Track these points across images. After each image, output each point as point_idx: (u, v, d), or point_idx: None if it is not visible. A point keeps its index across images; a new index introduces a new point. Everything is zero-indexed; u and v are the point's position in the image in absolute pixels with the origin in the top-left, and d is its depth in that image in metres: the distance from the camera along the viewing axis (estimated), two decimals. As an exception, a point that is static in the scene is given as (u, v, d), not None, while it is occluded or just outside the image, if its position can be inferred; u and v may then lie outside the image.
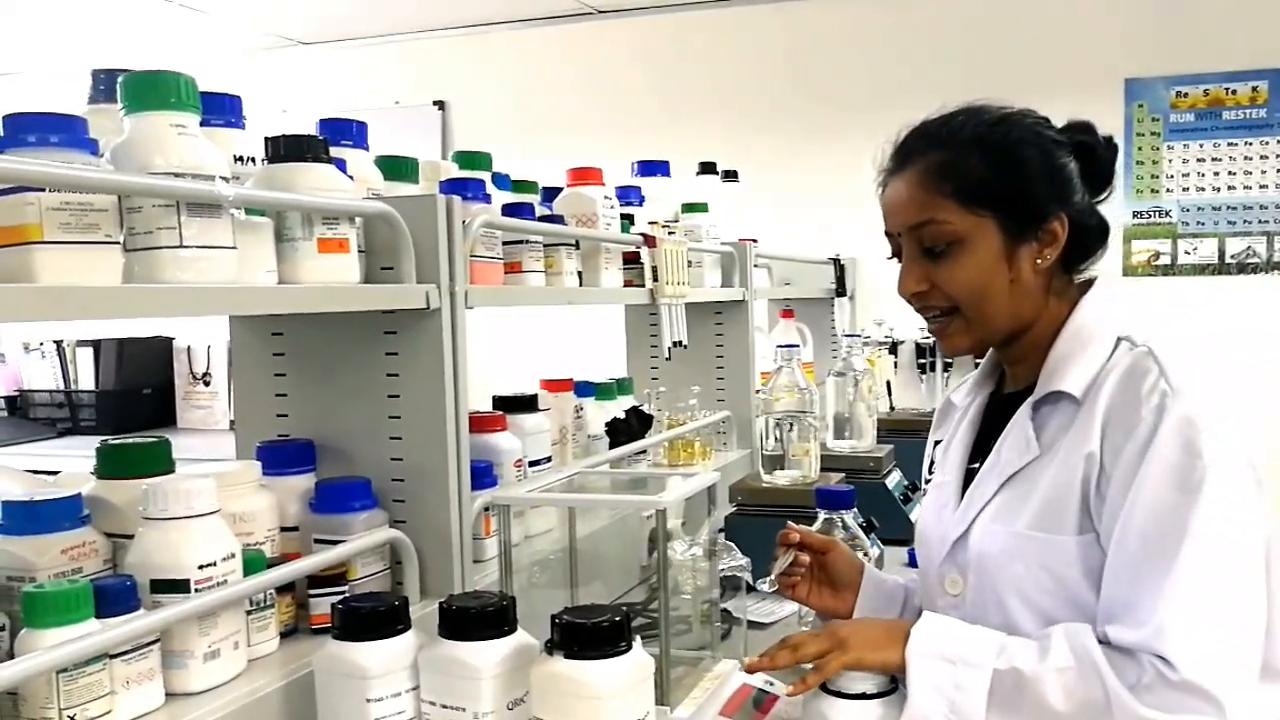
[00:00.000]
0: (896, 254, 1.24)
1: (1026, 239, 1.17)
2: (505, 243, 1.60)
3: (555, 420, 1.92)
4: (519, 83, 4.34)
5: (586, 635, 0.98)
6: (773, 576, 1.32)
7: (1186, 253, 3.54)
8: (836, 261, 3.43)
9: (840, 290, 3.44)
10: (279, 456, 1.33)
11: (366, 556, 1.29)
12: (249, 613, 1.12)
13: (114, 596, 0.96)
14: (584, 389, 2.10)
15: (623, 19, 4.22)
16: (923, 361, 3.65)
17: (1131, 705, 1.00)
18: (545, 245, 1.69)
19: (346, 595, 1.18)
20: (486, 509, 1.49)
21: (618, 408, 2.10)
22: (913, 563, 2.09)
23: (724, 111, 4.04)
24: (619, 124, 4.06)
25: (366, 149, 1.44)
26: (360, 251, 1.30)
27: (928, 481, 1.39)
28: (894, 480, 2.24)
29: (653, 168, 2.41)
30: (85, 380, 4.19)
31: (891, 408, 3.19)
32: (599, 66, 4.24)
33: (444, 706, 1.02)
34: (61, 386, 4.24)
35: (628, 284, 1.96)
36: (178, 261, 0.99)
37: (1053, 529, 1.11)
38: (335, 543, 1.23)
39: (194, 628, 1.03)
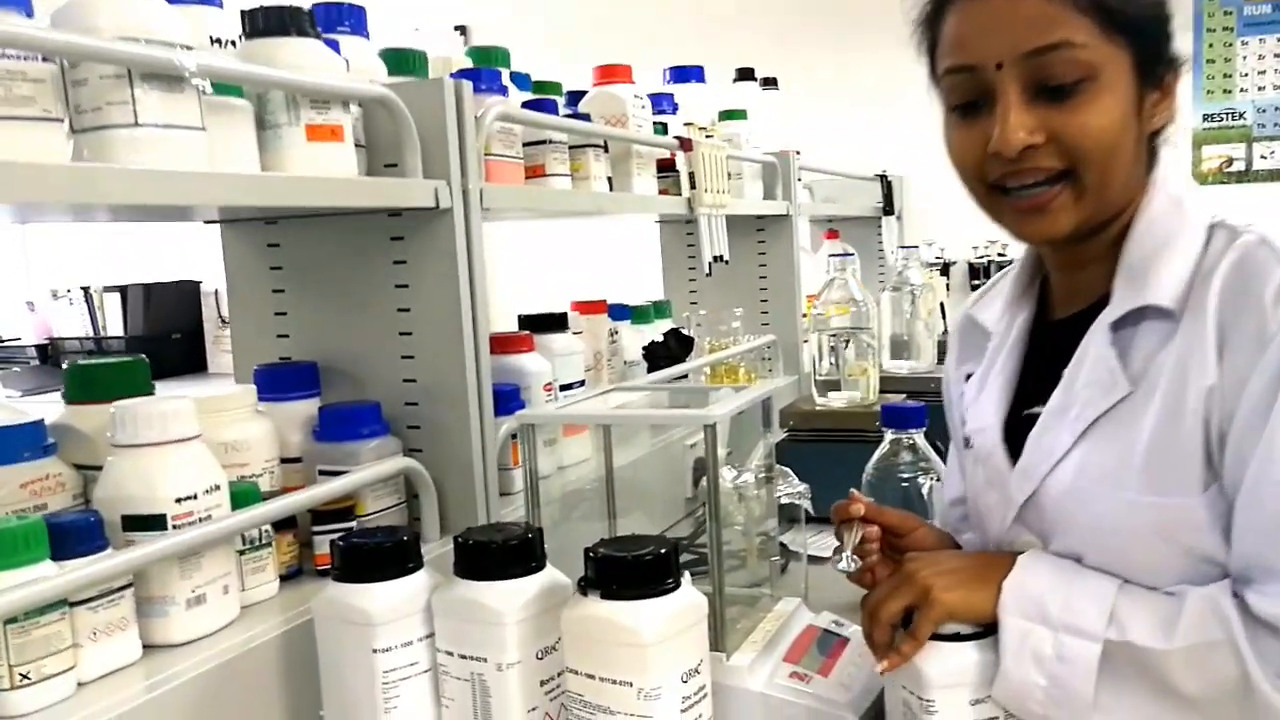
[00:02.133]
0: (971, 103, 0.91)
1: (1150, 86, 0.91)
2: (526, 144, 1.43)
3: (588, 345, 1.77)
4: (546, 5, 4.13)
5: (627, 571, 0.83)
6: (848, 553, 1.03)
7: (1263, 157, 3.29)
8: (883, 178, 3.23)
9: (888, 209, 3.24)
10: (278, 380, 1.19)
11: (377, 489, 1.15)
12: (241, 553, 0.99)
13: (75, 535, 0.82)
14: (619, 312, 1.94)
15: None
16: (976, 283, 3.45)
17: (1273, 699, 0.79)
18: (571, 148, 1.52)
19: (351, 530, 1.04)
20: (513, 435, 1.34)
21: (655, 332, 1.94)
22: None
23: (762, 16, 3.81)
24: (651, 39, 3.84)
25: (367, 37, 1.28)
26: (359, 147, 1.15)
27: (963, 424, 1.07)
28: (956, 403, 2.07)
29: (686, 73, 2.22)
30: (114, 327, 4.10)
31: (945, 331, 3.00)
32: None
33: (462, 657, 0.88)
34: (91, 334, 4.16)
35: (662, 194, 1.79)
36: (133, 142, 0.83)
37: (1172, 490, 0.85)
38: (342, 474, 1.09)
39: (174, 570, 0.90)
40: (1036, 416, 0.95)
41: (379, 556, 0.89)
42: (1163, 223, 0.91)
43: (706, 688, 0.86)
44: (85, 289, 4.36)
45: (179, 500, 0.90)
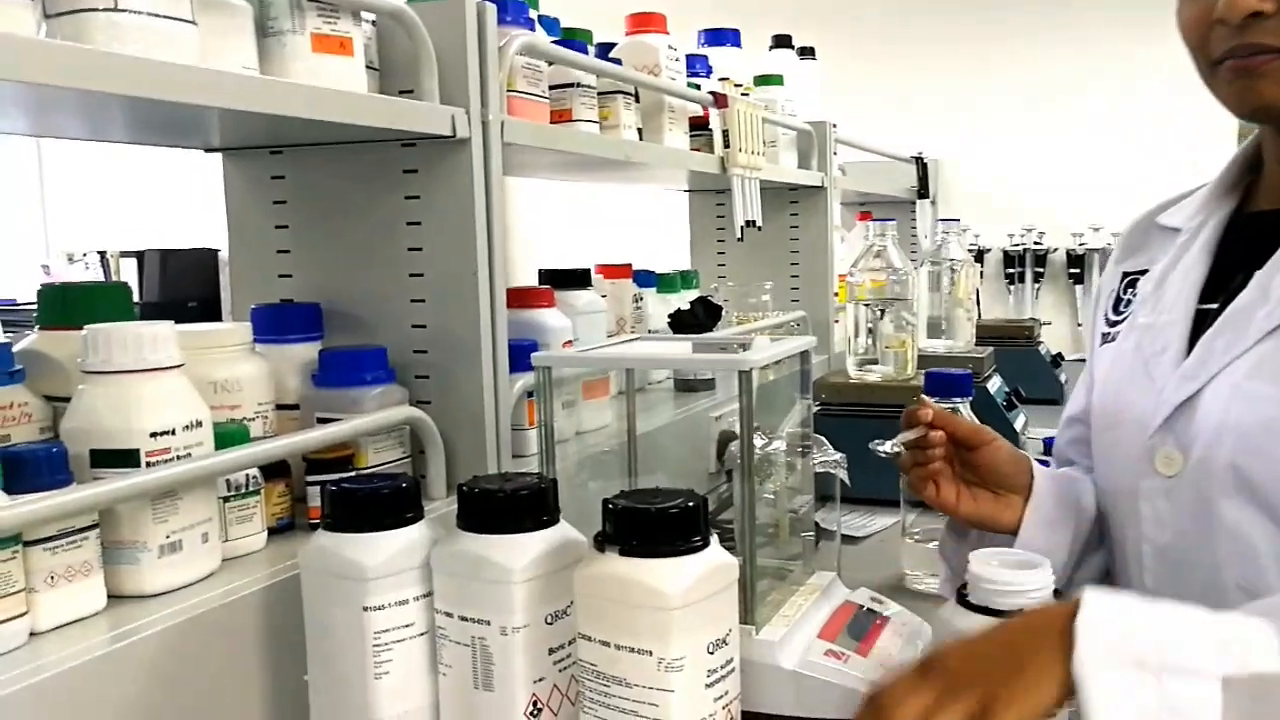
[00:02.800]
0: None
1: None
2: (553, 87, 1.34)
3: (612, 309, 1.68)
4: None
5: (651, 525, 0.73)
6: (894, 442, 0.98)
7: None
8: (919, 160, 3.12)
9: (923, 192, 3.14)
10: (276, 320, 1.10)
11: (380, 441, 1.06)
12: (226, 500, 0.90)
13: (33, 466, 0.73)
14: (644, 279, 1.86)
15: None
16: (1011, 271, 3.35)
17: None
18: (600, 94, 1.43)
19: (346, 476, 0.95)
20: (529, 394, 1.25)
21: (681, 301, 1.84)
22: (1049, 451, 1.82)
23: None
24: (682, 8, 3.75)
25: (384, -44, 1.19)
26: (371, 69, 1.06)
27: (1113, 325, 1.03)
28: (995, 385, 1.96)
29: (722, 36, 2.12)
30: (129, 293, 4.03)
31: (979, 316, 2.90)
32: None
33: (463, 619, 0.78)
34: (104, 299, 4.10)
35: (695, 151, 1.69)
36: (113, 28, 0.74)
37: None
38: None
39: (146, 512, 0.81)
40: (1210, 312, 0.89)
41: (375, 503, 0.80)
42: None
43: (735, 662, 0.76)
44: (102, 253, 4.30)
45: (154, 435, 0.81)
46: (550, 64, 1.30)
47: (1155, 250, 1.03)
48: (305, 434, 0.94)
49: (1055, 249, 3.33)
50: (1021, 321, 2.69)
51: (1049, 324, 2.94)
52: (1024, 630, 0.69)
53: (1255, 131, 0.97)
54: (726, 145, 1.69)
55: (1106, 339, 1.03)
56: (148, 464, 0.80)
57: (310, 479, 0.99)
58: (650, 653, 0.71)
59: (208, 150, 1.16)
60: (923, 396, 1.00)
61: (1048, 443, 1.96)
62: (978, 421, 1.27)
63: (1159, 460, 0.90)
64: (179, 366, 0.84)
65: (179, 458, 0.82)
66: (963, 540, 1.05)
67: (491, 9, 1.10)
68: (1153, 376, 0.92)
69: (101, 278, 4.23)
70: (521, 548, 0.77)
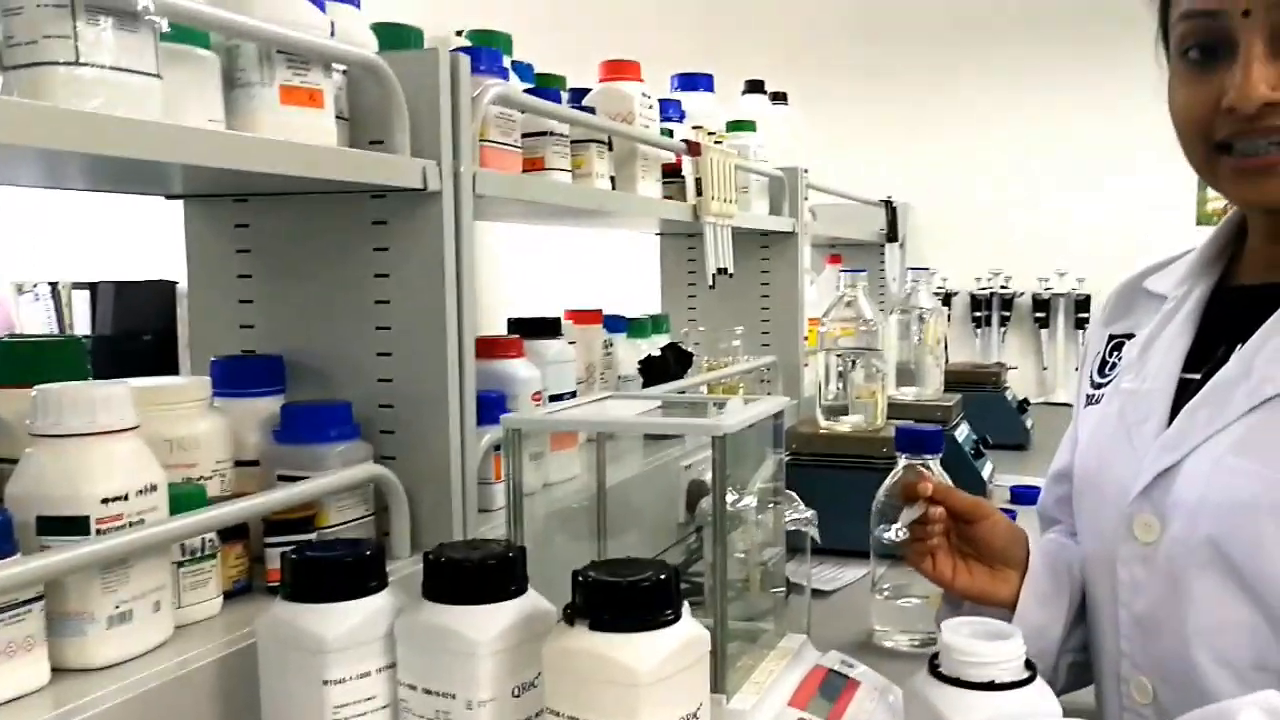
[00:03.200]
0: (1208, 49, 0.84)
1: None
2: (525, 135, 1.33)
3: (581, 356, 1.66)
4: (551, 15, 4.04)
5: (621, 599, 0.71)
6: (900, 526, 0.98)
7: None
8: (889, 204, 3.14)
9: (892, 235, 3.15)
10: (237, 373, 1.07)
11: (343, 499, 1.03)
12: (180, 565, 0.87)
13: (-22, 535, 0.70)
14: (614, 324, 1.84)
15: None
16: (978, 315, 3.37)
17: None
18: (573, 142, 1.42)
19: (307, 543, 0.92)
20: (496, 448, 1.23)
21: (652, 347, 1.83)
22: (1017, 500, 1.83)
23: (771, 39, 3.73)
24: (658, 51, 3.76)
25: (358, 5, 1.17)
26: (341, 119, 1.04)
27: (1097, 387, 1.02)
28: (963, 433, 1.96)
29: (694, 81, 2.12)
30: (81, 325, 3.96)
31: (946, 361, 2.91)
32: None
33: (427, 692, 0.76)
34: (56, 331, 4.02)
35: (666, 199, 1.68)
36: (73, 83, 0.72)
37: None
38: (303, 480, 0.98)
39: (95, 582, 0.78)
40: (1193, 382, 0.89)
41: (336, 572, 0.78)
42: None
43: (707, 737, 0.74)
44: (53, 284, 4.22)
45: (106, 501, 0.78)
46: (523, 112, 1.29)
47: (1141, 315, 1.02)
48: (266, 496, 0.91)
49: (1021, 293, 3.35)
50: (988, 367, 2.70)
51: (1015, 368, 2.95)
52: None
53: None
54: (699, 193, 1.69)
55: (1091, 400, 1.02)
56: (98, 531, 0.77)
57: (269, 540, 0.96)
58: (620, 731, 0.69)
59: (169, 197, 1.14)
60: (922, 470, 1.00)
61: (1015, 491, 1.97)
62: (947, 477, 1.27)
63: (1137, 527, 0.90)
64: (134, 429, 0.81)
65: (131, 524, 0.79)
66: (957, 612, 1.03)
67: (465, 60, 1.09)
68: (1134, 444, 0.92)
69: (52, 309, 4.15)
70: (489, 619, 0.75)
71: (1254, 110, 0.81)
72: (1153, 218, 3.21)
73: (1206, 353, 0.91)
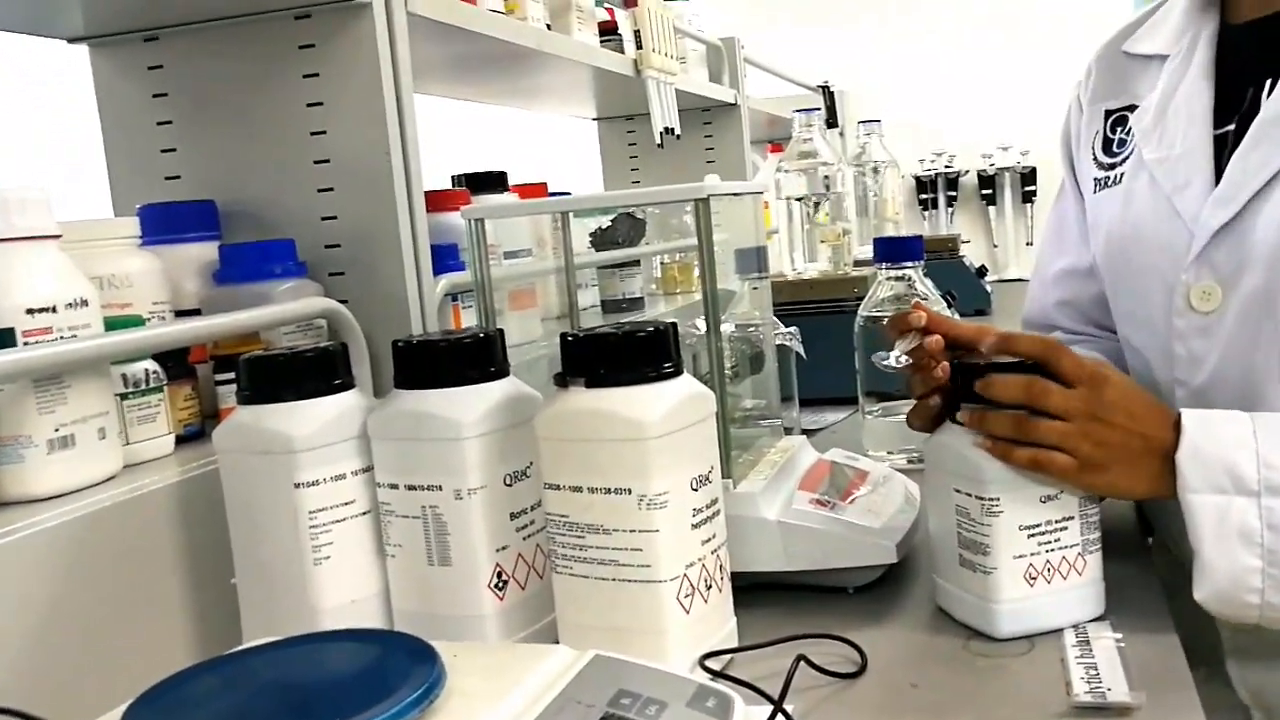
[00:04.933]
0: None
1: None
2: (453, -24, 1.24)
3: (530, 229, 1.58)
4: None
5: (618, 351, 0.65)
6: (896, 353, 0.81)
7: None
8: (826, 89, 3.08)
9: (831, 121, 3.10)
10: (167, 219, 0.99)
11: (294, 336, 0.95)
12: (123, 397, 0.79)
13: (-116, 342, 0.62)
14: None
15: None
16: (924, 198, 3.34)
17: None
18: (503, -14, 1.34)
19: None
20: (453, 298, 1.16)
21: (600, 224, 1.76)
22: None
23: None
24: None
25: None
26: (252, -70, 0.95)
27: (1109, 167, 0.94)
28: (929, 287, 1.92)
29: (622, -50, 2.04)
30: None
31: (900, 240, 2.88)
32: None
33: (410, 488, 0.69)
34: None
35: (606, 55, 1.61)
36: None
37: None
38: (250, 318, 0.90)
39: (29, 399, 0.70)
40: (1226, 136, 0.82)
41: (299, 369, 0.71)
42: None
43: (720, 503, 0.68)
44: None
45: (31, 312, 0.70)
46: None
47: (1136, 83, 0.95)
48: (209, 320, 0.83)
49: (966, 171, 3.33)
50: (944, 236, 2.67)
51: (968, 241, 2.93)
52: (1143, 429, 0.72)
53: None
54: (639, 46, 1.61)
55: (1104, 183, 0.95)
56: (25, 343, 0.69)
57: (219, 378, 0.88)
58: (629, 491, 0.63)
59: (71, 40, 1.04)
60: (916, 300, 0.86)
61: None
62: (934, 288, 1.22)
63: (1195, 296, 0.83)
64: (56, 238, 0.73)
65: (63, 337, 0.71)
66: None
67: None
68: (1179, 210, 0.85)
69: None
70: (471, 400, 0.69)
71: None
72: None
73: (1231, 102, 0.85)
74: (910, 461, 1.20)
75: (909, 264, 1.18)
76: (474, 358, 0.70)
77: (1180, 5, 0.92)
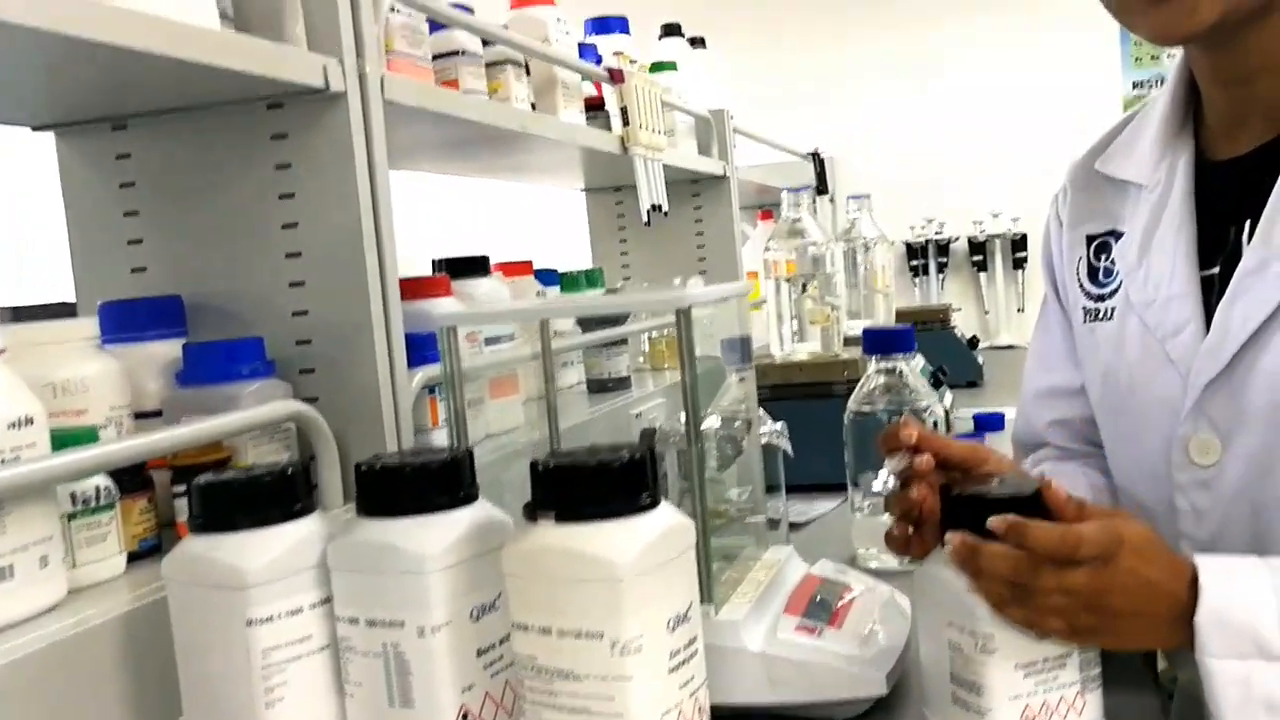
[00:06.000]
0: None
1: None
2: (437, 56, 1.22)
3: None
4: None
5: (590, 484, 0.61)
6: (887, 473, 0.80)
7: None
8: (816, 156, 3.08)
9: (821, 188, 3.09)
10: (129, 316, 0.95)
11: (260, 442, 0.92)
12: (70, 517, 0.75)
13: None
14: (546, 278, 1.73)
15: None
16: (915, 264, 3.32)
17: None
18: (488, 66, 1.32)
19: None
20: (430, 390, 1.12)
21: (587, 299, 1.73)
22: (980, 428, 1.74)
23: None
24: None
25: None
26: (226, 19, 0.93)
27: (1098, 300, 0.92)
28: (920, 363, 1.89)
29: (608, 24, 2.02)
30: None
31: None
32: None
33: (370, 623, 0.65)
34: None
35: (592, 133, 1.58)
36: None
37: None
38: (213, 422, 0.86)
39: (-36, 528, 0.65)
40: (1213, 279, 0.80)
41: (254, 494, 0.66)
42: None
43: (699, 642, 0.64)
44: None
45: (-29, 433, 0.66)
46: (432, 31, 1.18)
47: (1114, 207, 0.92)
48: (168, 431, 0.79)
49: (957, 238, 3.32)
50: (935, 306, 2.65)
51: (959, 309, 2.91)
52: (1154, 584, 0.68)
53: (1173, 61, 0.89)
54: (626, 123, 1.59)
55: (1095, 315, 0.92)
56: (-37, 469, 0.65)
57: (178, 490, 0.84)
58: (601, 635, 0.59)
59: (36, 128, 1.01)
60: (907, 415, 0.84)
61: (978, 419, 1.90)
62: (924, 381, 1.19)
63: (1194, 449, 0.81)
64: (1, 353, 0.69)
65: (4, 461, 0.67)
66: None
67: (360, -48, 0.98)
68: (1173, 358, 0.82)
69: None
70: (436, 530, 0.65)
71: None
72: (1084, 148, 3.20)
73: (1212, 242, 0.83)
74: (902, 563, 1.17)
75: (899, 355, 1.15)
76: (441, 483, 0.66)
77: (1152, 131, 0.90)
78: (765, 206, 2.95)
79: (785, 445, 1.08)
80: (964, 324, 3.19)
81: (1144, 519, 0.75)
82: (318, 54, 0.92)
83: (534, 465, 0.63)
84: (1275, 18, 0.78)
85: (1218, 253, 0.82)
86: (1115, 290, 0.91)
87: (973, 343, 2.51)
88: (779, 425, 1.08)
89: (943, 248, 3.30)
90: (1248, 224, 0.80)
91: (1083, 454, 1.01)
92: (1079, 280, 0.96)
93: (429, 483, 0.66)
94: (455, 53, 1.25)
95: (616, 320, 1.67)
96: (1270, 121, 0.81)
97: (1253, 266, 0.78)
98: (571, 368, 1.70)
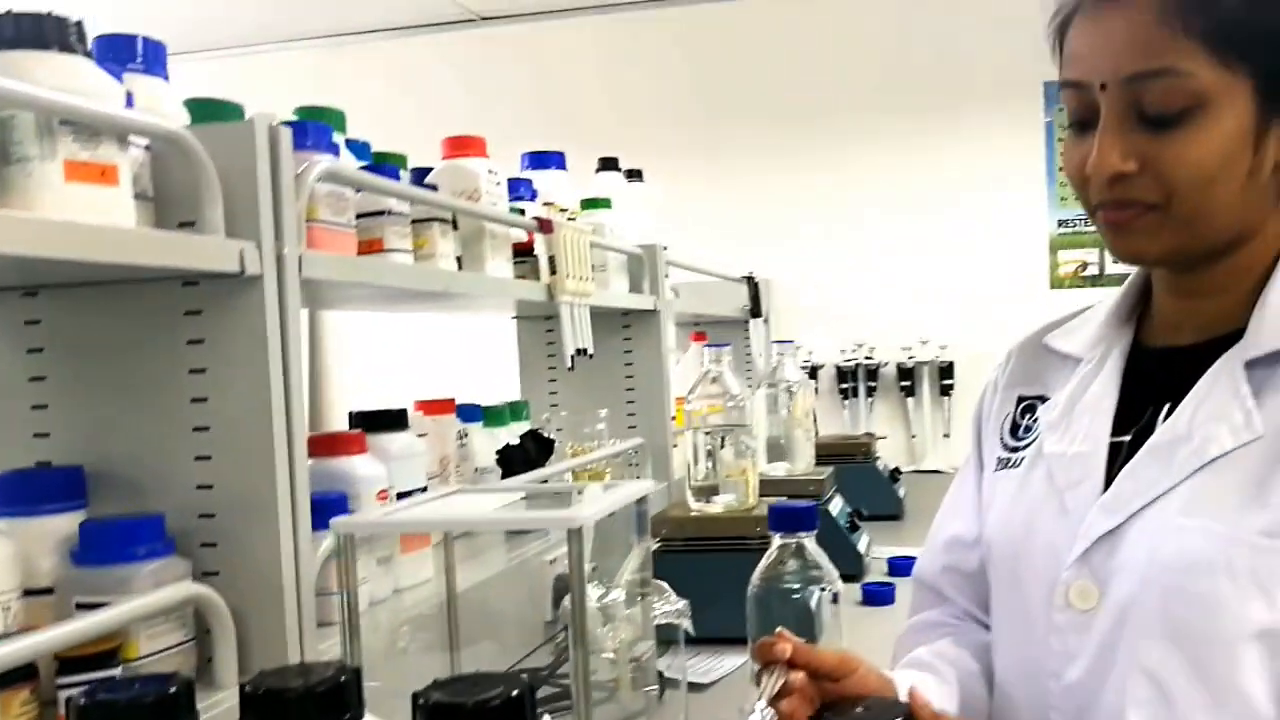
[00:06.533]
0: (1082, 119, 0.87)
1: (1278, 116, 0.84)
2: (361, 216, 1.24)
3: (434, 448, 1.56)
4: (393, 96, 3.98)
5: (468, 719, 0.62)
6: (762, 703, 0.82)
7: (1115, 261, 3.34)
8: (750, 280, 3.14)
9: (755, 311, 3.15)
10: (26, 488, 0.95)
11: (155, 626, 0.91)
12: (-53, 718, 0.73)
13: None
14: (469, 413, 1.74)
15: (508, 25, 3.91)
16: (845, 387, 3.39)
17: None
18: (414, 222, 1.34)
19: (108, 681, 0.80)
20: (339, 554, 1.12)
21: (510, 435, 1.74)
22: (871, 600, 1.77)
23: (619, 122, 3.74)
24: (506, 137, 3.69)
25: (165, 78, 1.08)
26: (145, 199, 0.95)
27: (1013, 450, 0.99)
28: (837, 507, 1.93)
29: (545, 159, 2.07)
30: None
31: (816, 434, 2.90)
32: (483, 76, 3.92)
33: None
34: None
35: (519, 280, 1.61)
36: None
37: None
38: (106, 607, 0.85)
39: None
40: (1122, 445, 0.88)
41: (134, 715, 0.66)
42: None
43: None
44: None
45: None
46: (358, 191, 1.21)
47: (1051, 377, 1.01)
48: (60, 628, 0.78)
49: (886, 363, 3.39)
50: (857, 438, 2.69)
51: (884, 438, 2.96)
52: None
53: None
54: (553, 271, 1.62)
55: (1006, 464, 1.00)
56: None
57: (62, 681, 0.83)
58: None
59: (-52, 294, 1.01)
60: (780, 630, 0.89)
61: (891, 562, 1.93)
62: (824, 557, 1.21)
63: (1074, 594, 0.87)
64: (-120, 560, 0.69)
65: (-125, 677, 0.66)
66: None
67: (286, 133, 1.01)
68: (1068, 508, 0.90)
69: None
70: (315, 760, 0.64)
71: (1105, 181, 0.85)
72: (1010, 282, 3.32)
73: (1131, 415, 0.91)
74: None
75: (802, 533, 1.17)
76: (326, 706, 0.66)
77: (1100, 318, 0.99)
78: (698, 327, 2.99)
79: (686, 625, 1.09)
80: (891, 447, 3.25)
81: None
82: (235, 239, 0.93)
83: (415, 698, 0.64)
84: (1233, 257, 0.87)
85: (1133, 424, 0.90)
86: (1029, 444, 0.98)
87: (894, 476, 2.55)
88: (681, 604, 1.09)
89: (872, 372, 3.37)
90: (1166, 406, 0.88)
91: (961, 616, 1.06)
92: (1000, 434, 1.03)
93: (316, 706, 0.66)
94: (380, 212, 1.27)
95: (538, 461, 1.68)
96: (1206, 330, 0.89)
97: (1161, 444, 0.86)
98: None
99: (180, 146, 0.91)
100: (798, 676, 0.82)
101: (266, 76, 4.05)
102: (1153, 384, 0.91)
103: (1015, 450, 1.00)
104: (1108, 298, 1.01)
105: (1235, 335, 0.87)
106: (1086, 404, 0.94)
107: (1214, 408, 0.85)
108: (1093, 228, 0.92)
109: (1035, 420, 0.99)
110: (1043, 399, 1.00)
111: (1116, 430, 0.91)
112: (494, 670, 0.69)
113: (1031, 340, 1.06)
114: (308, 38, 4.02)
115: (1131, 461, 0.87)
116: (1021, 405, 1.02)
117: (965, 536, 1.06)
